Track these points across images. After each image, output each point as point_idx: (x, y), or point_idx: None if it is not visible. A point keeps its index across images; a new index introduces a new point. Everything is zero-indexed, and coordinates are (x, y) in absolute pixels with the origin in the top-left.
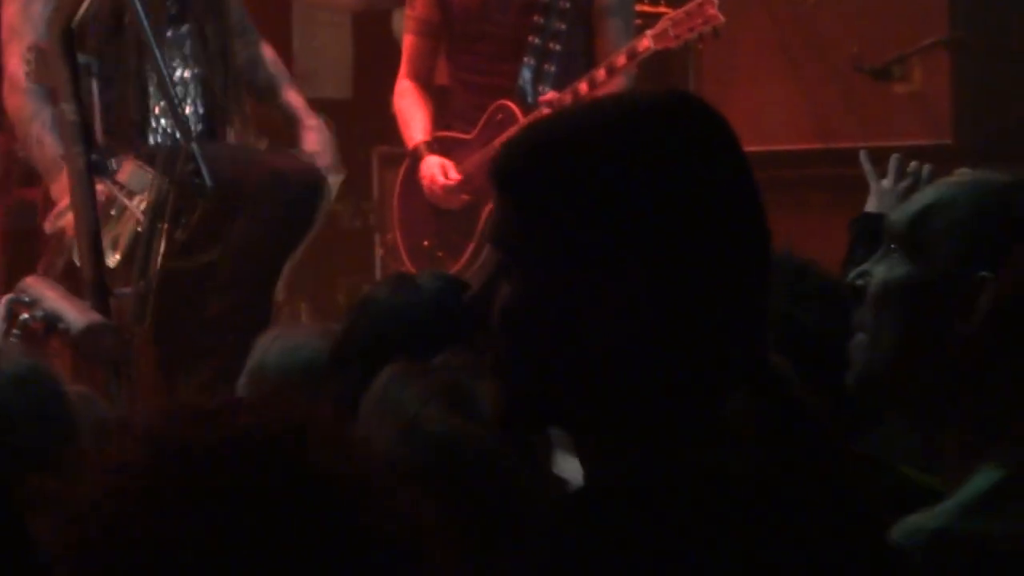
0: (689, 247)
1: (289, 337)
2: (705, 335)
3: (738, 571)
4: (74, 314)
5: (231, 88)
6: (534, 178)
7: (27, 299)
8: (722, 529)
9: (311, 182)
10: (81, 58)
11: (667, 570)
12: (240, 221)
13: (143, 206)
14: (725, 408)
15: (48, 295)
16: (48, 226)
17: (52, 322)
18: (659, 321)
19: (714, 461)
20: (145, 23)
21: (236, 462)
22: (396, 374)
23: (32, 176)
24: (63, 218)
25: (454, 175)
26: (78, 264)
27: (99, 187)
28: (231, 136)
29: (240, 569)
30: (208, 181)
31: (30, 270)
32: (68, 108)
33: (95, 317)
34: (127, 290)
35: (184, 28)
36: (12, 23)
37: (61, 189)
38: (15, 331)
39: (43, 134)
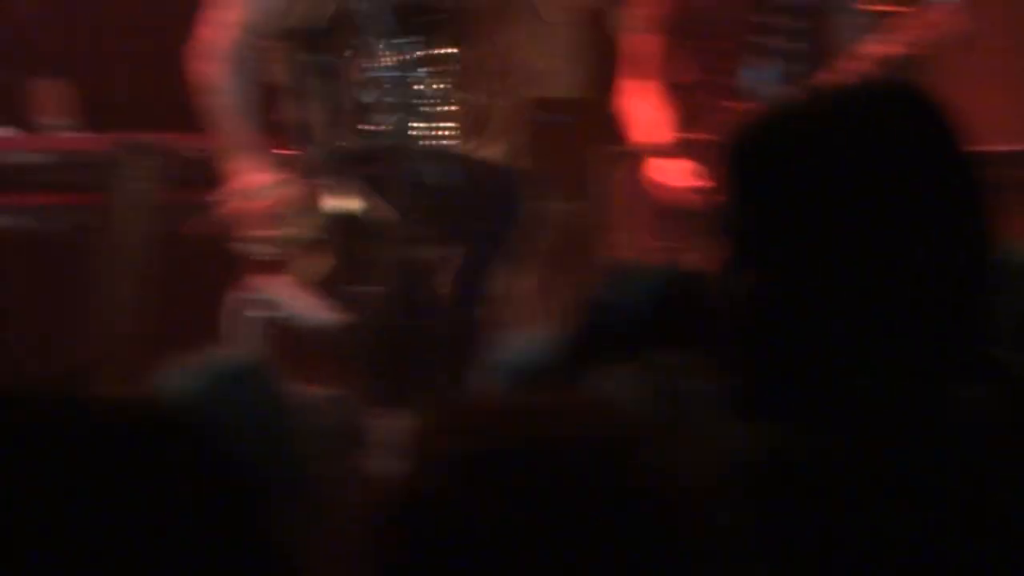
0: (912, 236)
1: (535, 338)
2: (924, 324)
3: (963, 556)
4: (312, 313)
5: (478, 93)
6: (768, 165)
7: (265, 298)
8: (947, 514)
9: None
10: (323, 57)
11: (894, 557)
12: (472, 224)
13: (335, 208)
14: (952, 399)
15: (286, 294)
16: (217, 209)
17: (291, 321)
18: (883, 306)
19: (940, 447)
20: (375, 25)
21: (551, 461)
22: (609, 374)
23: None
24: (233, 202)
25: (701, 178)
26: (243, 251)
27: (295, 178)
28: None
29: (554, 564)
30: (440, 181)
31: (256, 268)
32: (303, 105)
33: (333, 316)
34: (365, 288)
35: (424, 36)
36: None
37: (237, 169)
38: (249, 328)
39: (236, 111)
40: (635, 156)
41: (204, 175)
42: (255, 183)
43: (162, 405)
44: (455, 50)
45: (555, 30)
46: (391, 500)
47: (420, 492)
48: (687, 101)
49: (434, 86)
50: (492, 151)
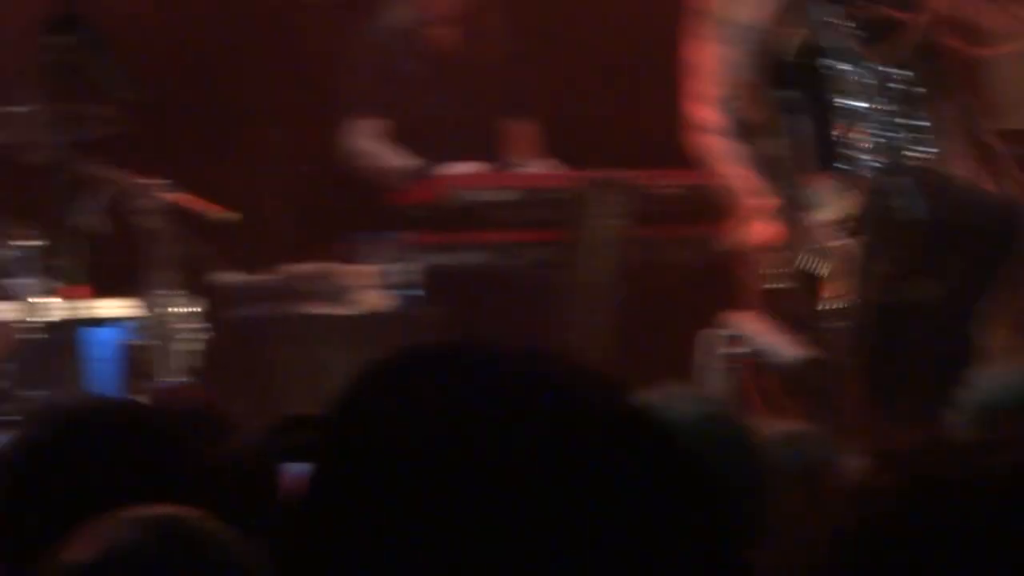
0: None
1: (1011, 375)
2: None
3: None
4: (782, 348)
5: (933, 121)
6: None
7: (734, 333)
8: None
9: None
10: (785, 93)
11: None
12: (957, 257)
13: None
14: None
15: (754, 329)
16: (733, 252)
17: (760, 356)
18: None
19: None
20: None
21: (990, 499)
22: None
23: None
24: (744, 237)
25: None
26: (748, 282)
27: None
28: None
29: None
30: (921, 214)
31: (726, 304)
32: (775, 143)
33: (803, 351)
34: (837, 324)
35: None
36: (708, 65)
37: (745, 209)
38: (723, 364)
39: (734, 167)
40: None
41: (670, 211)
42: (760, 220)
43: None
44: (923, 84)
45: (1013, 60)
46: (848, 537)
47: (872, 530)
48: None
49: (904, 114)
50: (966, 182)
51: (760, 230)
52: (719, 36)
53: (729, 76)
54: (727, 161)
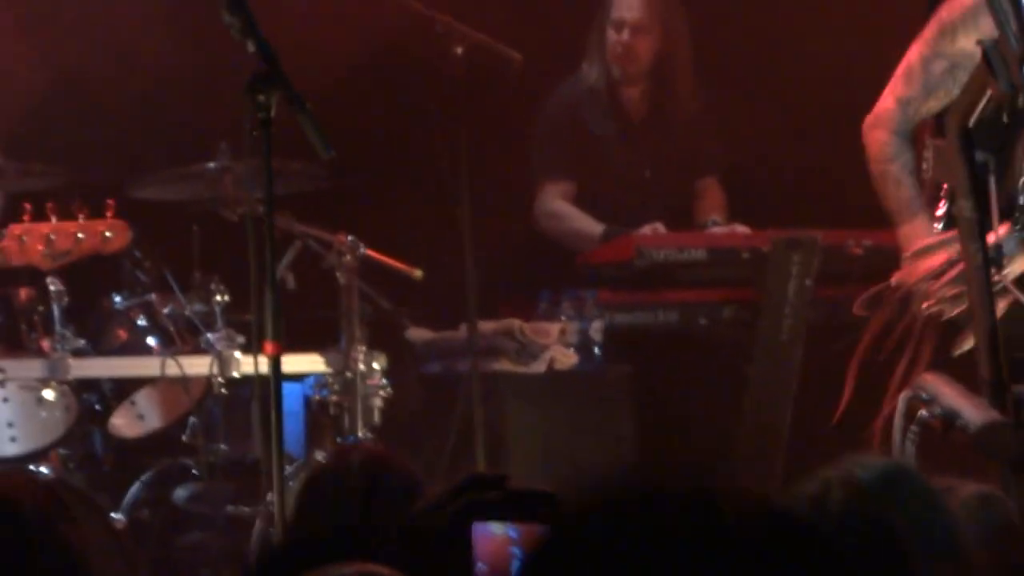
0: None
1: None
2: None
3: None
4: (972, 411)
5: None
6: None
7: (925, 396)
8: None
9: None
10: (978, 156)
11: None
12: None
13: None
14: None
15: (945, 391)
16: (894, 278)
17: (950, 419)
18: None
19: None
20: None
21: None
22: None
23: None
24: (908, 266)
25: None
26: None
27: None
28: None
29: None
30: None
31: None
32: (966, 205)
33: (994, 415)
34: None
35: None
36: (909, 62)
37: (907, 234)
38: (913, 428)
39: (903, 176)
40: None
41: (857, 271)
42: (923, 243)
43: (794, 517)
44: None
45: None
46: None
47: None
48: None
49: None
50: None
51: (917, 264)
52: (934, 41)
53: (922, 79)
54: (890, 162)
